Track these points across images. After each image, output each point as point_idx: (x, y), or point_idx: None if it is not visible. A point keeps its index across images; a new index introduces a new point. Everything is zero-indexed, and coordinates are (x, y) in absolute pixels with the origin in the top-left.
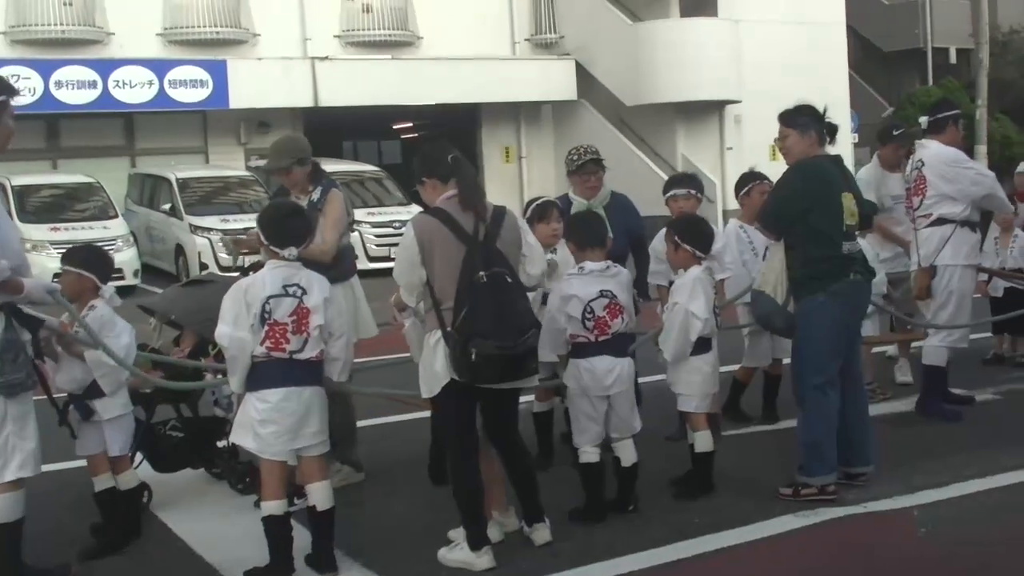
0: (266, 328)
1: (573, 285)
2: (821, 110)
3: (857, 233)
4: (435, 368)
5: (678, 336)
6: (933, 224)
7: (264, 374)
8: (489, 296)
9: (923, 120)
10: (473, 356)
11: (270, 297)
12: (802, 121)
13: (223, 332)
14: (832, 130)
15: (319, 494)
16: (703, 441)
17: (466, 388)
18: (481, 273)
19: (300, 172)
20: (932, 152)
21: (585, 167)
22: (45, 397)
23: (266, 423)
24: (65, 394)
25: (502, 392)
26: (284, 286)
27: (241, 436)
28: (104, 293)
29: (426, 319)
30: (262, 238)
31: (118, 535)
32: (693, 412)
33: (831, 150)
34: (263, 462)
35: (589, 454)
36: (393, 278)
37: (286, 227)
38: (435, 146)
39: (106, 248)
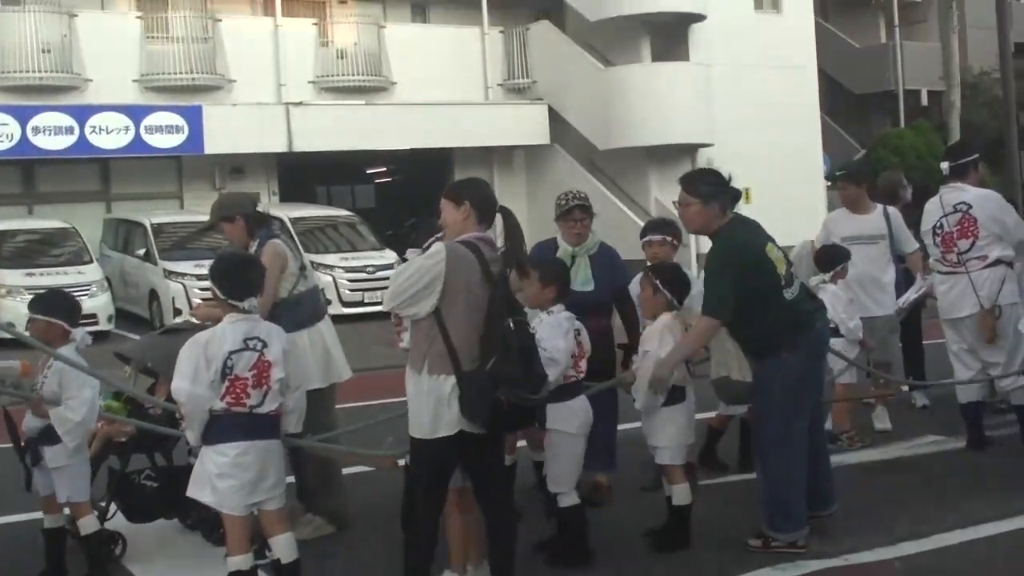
0: (227, 383)
1: (563, 321)
2: (726, 176)
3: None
4: (444, 415)
5: (652, 383)
6: (990, 266)
7: (222, 428)
8: (517, 343)
9: (944, 166)
10: (505, 404)
11: (232, 352)
12: (705, 190)
13: (180, 387)
14: (736, 198)
15: (283, 546)
16: (681, 494)
17: (460, 440)
18: (509, 320)
19: (229, 228)
20: (977, 195)
21: (571, 212)
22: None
23: (224, 477)
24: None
25: (489, 445)
26: (245, 340)
27: (198, 490)
28: (75, 337)
29: (432, 360)
30: (218, 292)
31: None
32: (669, 464)
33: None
34: (224, 516)
35: (572, 496)
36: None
37: (243, 278)
38: (486, 187)
39: (80, 293)
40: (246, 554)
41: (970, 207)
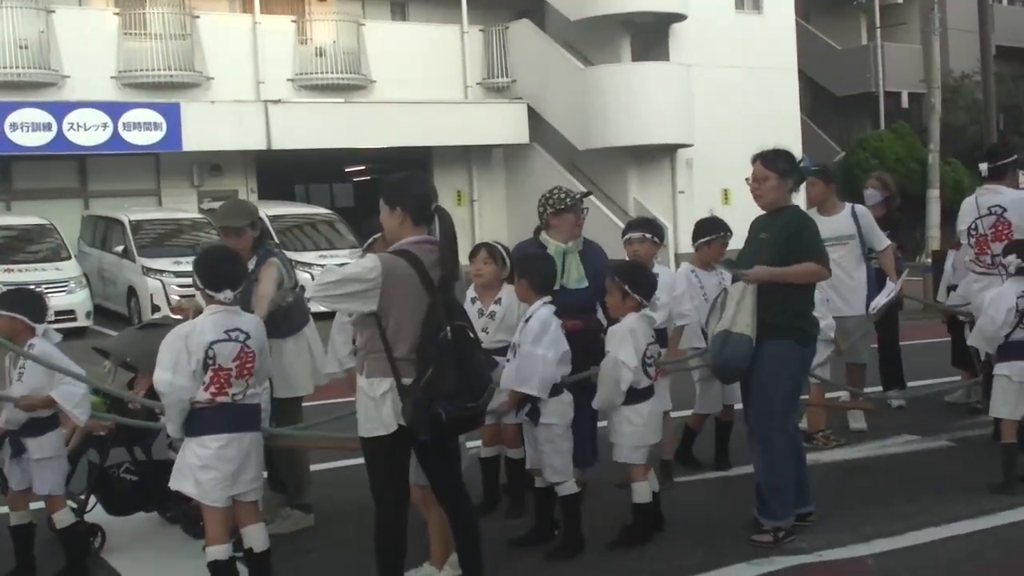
0: (210, 374)
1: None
2: (797, 158)
3: None
4: (381, 415)
5: (608, 385)
6: None
7: (205, 420)
8: (453, 355)
9: (983, 167)
10: (443, 417)
11: (213, 342)
12: (783, 167)
13: (162, 379)
14: (800, 181)
15: (255, 536)
16: (639, 492)
17: (403, 438)
18: (447, 328)
19: (235, 240)
20: (1013, 198)
21: (576, 206)
22: None
23: (206, 469)
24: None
25: (438, 443)
26: (226, 331)
27: (180, 482)
28: (39, 331)
29: (371, 364)
30: (197, 282)
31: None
32: (625, 463)
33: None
34: (204, 508)
35: (571, 485)
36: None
37: (220, 271)
38: (421, 184)
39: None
40: (225, 544)
41: (1005, 210)
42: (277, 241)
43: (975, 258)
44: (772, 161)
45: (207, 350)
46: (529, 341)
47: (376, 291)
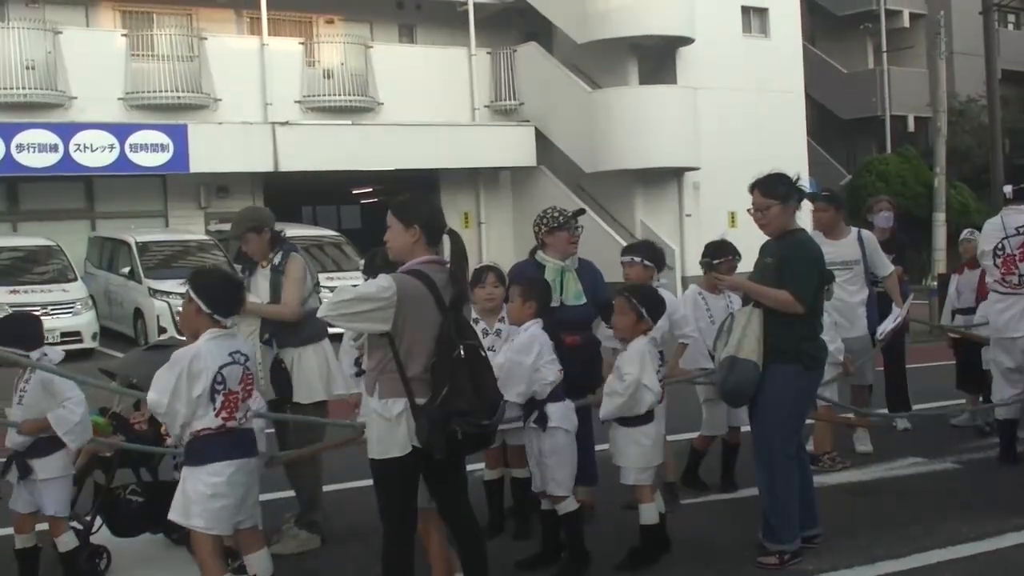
0: (221, 398)
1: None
2: (793, 177)
3: None
4: (396, 436)
5: (627, 402)
6: None
7: (214, 447)
8: (467, 372)
9: (1007, 189)
10: (459, 435)
11: (223, 366)
12: (783, 190)
13: (159, 401)
14: (803, 196)
15: (259, 563)
16: (647, 514)
17: (415, 459)
18: (460, 348)
19: (254, 239)
20: None
21: (569, 223)
22: None
23: (218, 497)
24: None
25: (448, 463)
26: (230, 354)
27: (184, 516)
28: (35, 357)
29: (383, 385)
30: (204, 307)
31: None
32: (634, 484)
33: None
34: (201, 541)
35: (572, 501)
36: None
37: (236, 297)
38: (434, 208)
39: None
40: (226, 575)
41: None
42: None
43: (1001, 278)
44: (771, 187)
45: (216, 375)
46: (515, 350)
47: (391, 310)
